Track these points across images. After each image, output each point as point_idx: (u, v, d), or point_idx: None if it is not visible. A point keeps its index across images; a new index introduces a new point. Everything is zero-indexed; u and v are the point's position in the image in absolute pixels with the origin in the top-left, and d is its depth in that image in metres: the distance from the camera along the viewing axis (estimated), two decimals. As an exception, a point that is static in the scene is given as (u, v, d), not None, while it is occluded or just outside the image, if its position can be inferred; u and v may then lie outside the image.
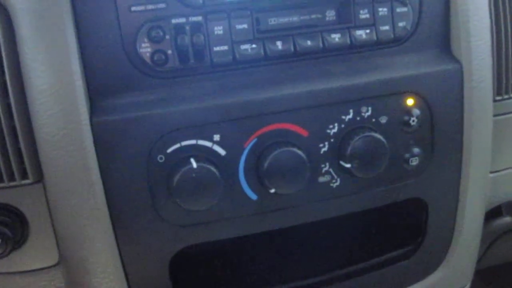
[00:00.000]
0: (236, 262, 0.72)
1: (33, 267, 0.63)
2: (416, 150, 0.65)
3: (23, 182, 0.59)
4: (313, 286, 0.69)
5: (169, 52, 0.57)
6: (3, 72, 0.56)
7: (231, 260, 0.72)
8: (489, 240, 1.01)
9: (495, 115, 0.71)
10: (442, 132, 0.66)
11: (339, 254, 0.73)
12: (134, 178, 0.57)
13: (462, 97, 0.66)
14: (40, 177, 0.59)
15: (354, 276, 0.70)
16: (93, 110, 0.56)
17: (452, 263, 0.74)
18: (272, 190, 0.59)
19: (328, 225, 0.72)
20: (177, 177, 0.56)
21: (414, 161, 0.65)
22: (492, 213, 0.88)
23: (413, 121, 0.64)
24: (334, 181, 0.63)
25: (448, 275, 0.74)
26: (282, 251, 0.74)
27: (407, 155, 0.65)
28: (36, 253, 0.62)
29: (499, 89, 0.71)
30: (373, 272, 0.71)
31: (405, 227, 0.73)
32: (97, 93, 0.57)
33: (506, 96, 0.72)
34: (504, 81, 0.71)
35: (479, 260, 1.05)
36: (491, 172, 0.75)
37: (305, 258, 0.73)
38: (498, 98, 0.72)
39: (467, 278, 0.79)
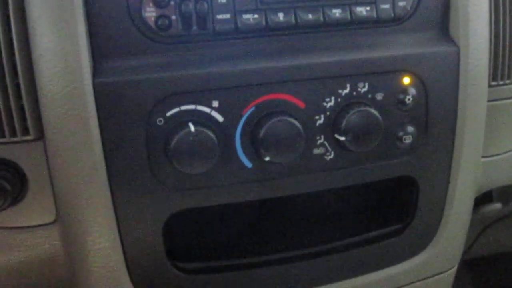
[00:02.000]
0: (226, 230, 0.74)
1: (30, 224, 0.64)
2: (410, 128, 0.66)
3: (24, 138, 0.60)
4: (299, 258, 0.71)
5: (173, 17, 0.59)
6: (10, 29, 0.57)
7: (223, 228, 0.74)
8: (479, 228, 1.02)
9: (489, 101, 0.72)
10: (436, 113, 0.67)
11: (327, 229, 0.74)
12: (133, 139, 0.59)
13: (458, 79, 0.67)
14: (41, 135, 0.60)
15: (341, 251, 0.72)
16: (96, 71, 0.58)
17: (440, 244, 0.75)
18: (267, 159, 0.61)
19: (319, 199, 0.74)
20: (175, 140, 0.58)
21: (408, 140, 0.66)
22: (483, 200, 0.89)
23: (408, 99, 0.65)
24: (328, 153, 0.64)
25: (435, 256, 0.76)
26: (272, 222, 0.75)
27: (400, 133, 0.66)
28: (34, 210, 0.64)
29: (495, 74, 0.73)
30: (360, 248, 0.72)
31: (395, 205, 0.75)
32: (100, 55, 0.58)
33: (501, 82, 0.73)
34: (500, 67, 0.72)
35: (468, 249, 1.07)
36: (483, 157, 0.76)
37: (294, 230, 0.75)
38: (493, 83, 0.73)
39: (455, 260, 0.80)
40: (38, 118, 0.60)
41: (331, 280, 0.73)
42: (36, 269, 0.67)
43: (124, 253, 0.64)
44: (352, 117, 0.62)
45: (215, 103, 0.60)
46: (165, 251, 0.65)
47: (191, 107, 0.59)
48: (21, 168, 0.62)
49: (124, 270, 0.65)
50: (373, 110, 0.63)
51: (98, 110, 0.58)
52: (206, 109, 0.60)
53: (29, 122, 0.60)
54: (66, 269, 0.67)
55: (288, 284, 0.71)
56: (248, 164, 0.62)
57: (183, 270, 0.68)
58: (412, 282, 0.77)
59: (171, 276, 0.67)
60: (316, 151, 0.64)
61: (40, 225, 0.65)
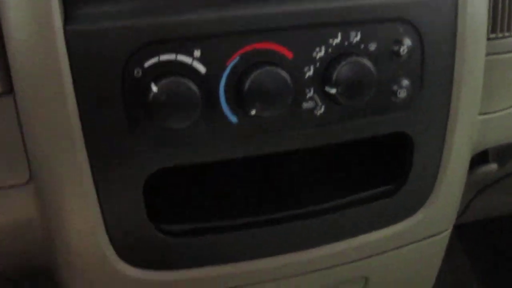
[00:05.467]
0: (213, 190, 0.70)
1: (2, 185, 0.61)
2: (404, 82, 0.63)
3: (-8, 92, 0.56)
4: (288, 219, 0.68)
5: (150, -41, 0.54)
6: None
7: (210, 188, 0.71)
8: (473, 192, 1.00)
9: (487, 55, 0.69)
10: (432, 66, 0.64)
11: (317, 189, 0.71)
12: (109, 91, 0.55)
13: (456, 30, 0.64)
14: (10, 88, 0.56)
15: (331, 212, 0.69)
16: (67, 17, 0.53)
17: (435, 205, 0.72)
18: (253, 112, 0.57)
19: (307, 157, 0.71)
20: (153, 92, 0.54)
21: (402, 93, 0.63)
22: (479, 162, 0.86)
23: (403, 50, 0.61)
24: (318, 108, 0.61)
25: (429, 218, 0.73)
26: (260, 182, 0.72)
27: (395, 87, 0.63)
28: (5, 170, 0.60)
29: (494, 25, 0.69)
30: (351, 210, 0.69)
31: (388, 164, 0.72)
32: (72, 1, 0.54)
33: (500, 35, 0.70)
34: (500, 17, 0.68)
35: (462, 213, 1.05)
36: (480, 114, 0.73)
37: (282, 191, 0.72)
38: (492, 36, 0.69)
39: (449, 222, 0.78)
40: (6, 70, 0.55)
41: (320, 243, 0.70)
42: (10, 234, 0.64)
43: (103, 214, 0.60)
44: (343, 68, 0.58)
45: (197, 53, 0.56)
46: (146, 212, 0.62)
47: (171, 56, 0.55)
48: (-10, 124, 0.58)
49: (103, 232, 0.61)
50: (366, 61, 0.59)
51: (70, 60, 0.53)
52: (187, 59, 0.55)
53: (-3, 75, 0.56)
54: (42, 233, 0.64)
55: (277, 246, 0.68)
56: (233, 118, 0.59)
57: (168, 232, 0.64)
58: (405, 245, 0.75)
59: (154, 239, 0.64)
60: (305, 105, 0.60)
61: (12, 186, 0.61)
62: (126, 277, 0.65)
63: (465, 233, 1.33)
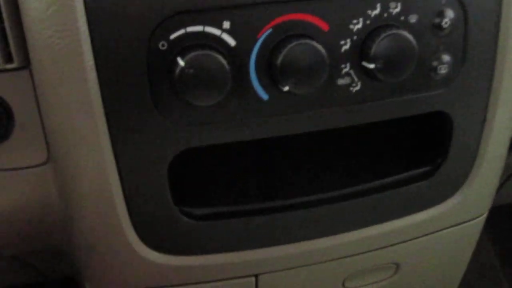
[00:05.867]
0: (239, 173, 0.67)
1: (19, 165, 0.58)
2: (445, 57, 0.59)
3: (8, 66, 0.53)
4: (318, 203, 0.64)
5: None
6: None
7: (234, 171, 0.67)
8: (505, 175, 0.96)
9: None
10: (475, 41, 0.59)
11: (349, 171, 0.68)
12: (132, 65, 0.51)
13: (501, 3, 0.59)
14: (26, 62, 0.53)
15: (364, 195, 0.65)
16: (88, -15, 0.50)
17: (472, 189, 0.69)
18: (286, 89, 0.53)
19: (340, 137, 0.67)
20: (180, 66, 0.50)
21: (443, 70, 0.59)
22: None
23: (446, 23, 0.57)
24: (354, 84, 0.57)
25: (466, 201, 0.69)
26: (289, 163, 0.68)
27: (435, 63, 0.58)
28: (22, 149, 0.57)
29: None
30: (385, 193, 0.66)
31: (425, 145, 0.68)
32: None
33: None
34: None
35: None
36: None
37: (313, 172, 0.68)
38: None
39: (485, 206, 0.74)
40: (23, 43, 0.52)
41: (351, 228, 0.67)
42: (27, 216, 0.61)
43: (125, 196, 0.57)
44: (382, 42, 0.54)
45: (226, 24, 0.52)
46: (171, 194, 0.58)
47: (198, 28, 0.51)
48: (6, 101, 0.55)
49: (125, 215, 0.58)
50: (406, 34, 0.55)
51: (91, 32, 0.50)
52: (216, 31, 0.52)
53: (12, 48, 0.52)
54: (61, 214, 0.61)
55: (307, 231, 0.65)
56: (263, 95, 0.55)
57: (192, 216, 0.61)
58: (440, 230, 0.71)
59: (178, 222, 0.61)
60: (341, 81, 0.56)
61: (30, 167, 0.58)
62: (147, 261, 0.62)
63: (490, 216, 1.30)
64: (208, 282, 0.67)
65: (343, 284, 0.74)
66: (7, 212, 0.60)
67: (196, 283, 0.67)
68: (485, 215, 0.75)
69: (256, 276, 0.68)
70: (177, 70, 0.50)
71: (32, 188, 0.59)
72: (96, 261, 0.65)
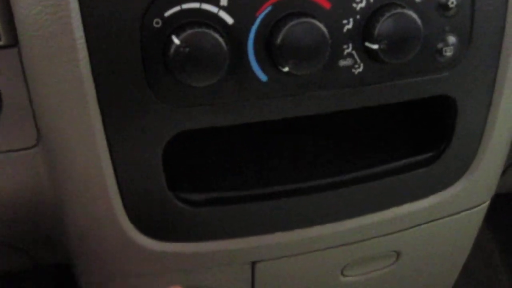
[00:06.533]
0: (236, 158, 0.65)
1: (8, 148, 0.56)
2: (451, 39, 0.56)
3: (-6, 44, 0.51)
4: (316, 189, 0.63)
5: None
6: None
7: (230, 155, 0.65)
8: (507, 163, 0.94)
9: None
10: (482, 22, 0.57)
11: (349, 156, 0.66)
12: (125, 43, 0.49)
13: None
14: (14, 41, 0.51)
15: (364, 181, 0.63)
16: (78, -41, 0.47)
17: (476, 175, 0.67)
18: (285, 69, 0.51)
19: (340, 121, 0.65)
20: (175, 44, 0.48)
21: (448, 52, 0.57)
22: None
23: (452, 3, 0.55)
24: (356, 66, 0.55)
25: (470, 188, 0.68)
26: (288, 148, 0.66)
27: (440, 44, 0.56)
28: (11, 132, 0.55)
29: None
30: (387, 179, 0.64)
31: (428, 130, 0.66)
32: None
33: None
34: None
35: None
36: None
37: (312, 157, 0.66)
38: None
39: (489, 193, 0.72)
40: (10, 20, 0.50)
41: (351, 215, 0.65)
42: (18, 200, 0.59)
43: (118, 180, 0.55)
44: (386, 21, 0.52)
45: (224, 1, 0.49)
46: (165, 179, 0.57)
47: (194, 5, 0.49)
48: (-7, 80, 0.53)
49: (118, 200, 0.56)
50: (412, 13, 0.52)
51: (81, 8, 0.48)
52: (213, 8, 0.49)
53: None
54: (52, 199, 0.59)
55: (305, 218, 0.63)
56: (262, 76, 0.53)
57: (187, 201, 0.59)
58: (442, 217, 0.69)
59: (173, 208, 0.59)
60: (343, 62, 0.54)
61: (19, 149, 0.56)
62: (141, 248, 0.61)
63: (490, 204, 1.29)
64: (204, 269, 0.65)
65: (342, 273, 0.73)
66: (-4, 197, 0.58)
67: (191, 270, 0.65)
68: (487, 203, 0.73)
69: (253, 263, 0.66)
70: (172, 49, 0.48)
71: (21, 172, 0.57)
72: (88, 247, 0.64)
